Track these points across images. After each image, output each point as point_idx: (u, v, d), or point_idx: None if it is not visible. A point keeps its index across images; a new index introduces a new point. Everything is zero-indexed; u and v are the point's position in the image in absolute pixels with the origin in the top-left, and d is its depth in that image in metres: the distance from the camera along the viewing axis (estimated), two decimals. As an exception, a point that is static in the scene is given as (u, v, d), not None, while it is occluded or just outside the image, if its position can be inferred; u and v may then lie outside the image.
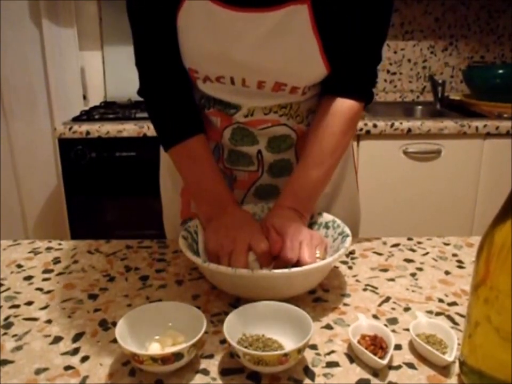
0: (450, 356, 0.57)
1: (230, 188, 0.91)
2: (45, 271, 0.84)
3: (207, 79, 0.84)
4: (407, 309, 0.71)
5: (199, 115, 0.89)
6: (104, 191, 1.98)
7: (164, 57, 0.85)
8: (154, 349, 0.59)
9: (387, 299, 0.74)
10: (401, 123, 1.90)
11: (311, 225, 0.83)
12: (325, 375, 0.58)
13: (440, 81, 2.28)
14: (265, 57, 0.78)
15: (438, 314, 0.70)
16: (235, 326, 0.60)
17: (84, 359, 0.61)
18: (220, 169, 0.88)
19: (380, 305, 0.72)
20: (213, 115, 0.89)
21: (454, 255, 0.88)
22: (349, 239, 0.74)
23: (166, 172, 1.05)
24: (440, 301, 0.73)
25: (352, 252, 0.89)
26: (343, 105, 0.83)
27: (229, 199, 0.82)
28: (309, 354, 0.61)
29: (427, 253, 0.89)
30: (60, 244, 0.94)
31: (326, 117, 0.83)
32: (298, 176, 0.83)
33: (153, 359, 0.55)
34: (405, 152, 1.94)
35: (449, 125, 1.90)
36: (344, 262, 0.85)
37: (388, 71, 2.48)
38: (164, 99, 0.87)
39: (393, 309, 0.71)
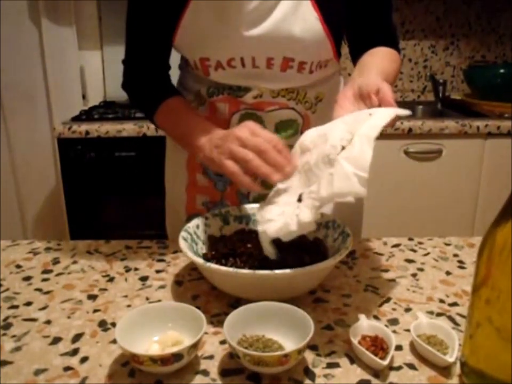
0: (451, 356, 0.57)
1: None
2: (44, 272, 0.83)
3: (219, 66, 0.87)
4: (408, 310, 0.71)
5: (178, 92, 0.94)
6: (103, 191, 1.98)
7: (154, 57, 0.93)
8: (154, 349, 0.58)
9: (388, 299, 0.74)
10: (402, 123, 1.89)
11: None
12: (325, 375, 0.57)
13: (441, 80, 2.27)
14: (271, 28, 0.81)
15: (439, 314, 0.70)
16: (235, 327, 0.59)
17: (83, 359, 0.61)
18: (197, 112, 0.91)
19: (380, 305, 0.72)
20: (221, 101, 0.91)
21: (455, 255, 0.88)
22: (350, 239, 0.73)
23: (171, 168, 1.06)
24: (441, 301, 0.73)
25: (352, 252, 0.88)
26: (377, 47, 0.88)
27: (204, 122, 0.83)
28: (309, 355, 0.61)
29: (428, 253, 0.88)
30: (59, 244, 0.93)
31: (364, 55, 0.86)
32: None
33: (153, 359, 0.54)
34: (406, 152, 1.94)
35: (450, 124, 1.90)
36: (344, 262, 0.85)
37: (388, 71, 2.47)
38: (146, 86, 0.94)
39: (394, 309, 0.71)
